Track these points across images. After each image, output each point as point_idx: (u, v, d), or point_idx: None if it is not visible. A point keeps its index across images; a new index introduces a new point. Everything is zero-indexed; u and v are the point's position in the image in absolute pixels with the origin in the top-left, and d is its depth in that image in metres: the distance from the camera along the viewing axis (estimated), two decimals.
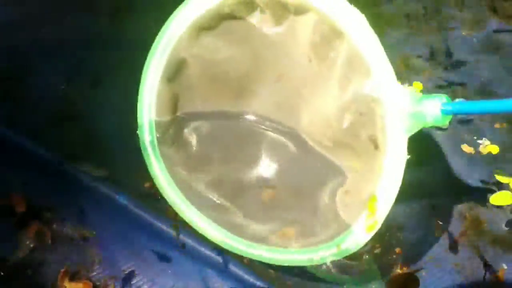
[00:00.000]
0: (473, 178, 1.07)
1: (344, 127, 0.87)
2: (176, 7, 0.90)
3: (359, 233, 0.82)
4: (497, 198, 0.98)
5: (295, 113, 0.97)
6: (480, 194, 1.02)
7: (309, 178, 0.96)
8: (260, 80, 0.97)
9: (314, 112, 0.94)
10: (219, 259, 0.95)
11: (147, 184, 1.05)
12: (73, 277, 0.94)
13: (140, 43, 0.93)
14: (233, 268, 0.94)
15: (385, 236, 0.98)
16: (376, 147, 0.81)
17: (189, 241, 0.97)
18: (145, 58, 0.93)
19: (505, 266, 0.91)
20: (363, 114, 0.82)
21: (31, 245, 0.99)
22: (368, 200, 0.80)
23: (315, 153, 0.97)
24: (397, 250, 0.96)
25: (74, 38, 1.37)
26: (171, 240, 0.98)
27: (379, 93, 0.77)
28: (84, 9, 1.44)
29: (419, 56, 1.35)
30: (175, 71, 0.94)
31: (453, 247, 0.95)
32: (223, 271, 0.95)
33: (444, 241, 0.98)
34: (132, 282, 0.95)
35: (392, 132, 0.77)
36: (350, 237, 0.83)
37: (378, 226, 0.81)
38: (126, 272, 0.96)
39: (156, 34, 0.92)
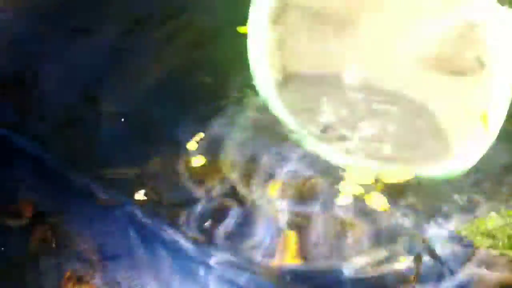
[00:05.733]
0: None
1: (449, 51, 0.94)
2: None
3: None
4: None
5: (398, 40, 1.00)
6: None
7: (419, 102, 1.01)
8: (361, 10, 1.01)
9: (418, 37, 0.98)
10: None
11: (146, 190, 1.08)
12: (78, 282, 0.97)
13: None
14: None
15: None
16: (483, 67, 0.90)
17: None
18: None
19: None
20: (468, 37, 0.90)
21: (37, 249, 1.01)
22: (480, 117, 0.89)
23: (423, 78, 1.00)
24: None
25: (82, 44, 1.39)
26: (174, 245, 1.01)
27: (483, 16, 0.86)
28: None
29: None
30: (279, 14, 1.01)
31: None
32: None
33: None
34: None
35: (499, 51, 0.87)
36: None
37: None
38: (128, 278, 0.98)
39: None
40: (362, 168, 1.05)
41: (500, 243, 0.80)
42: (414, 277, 0.91)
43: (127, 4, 1.41)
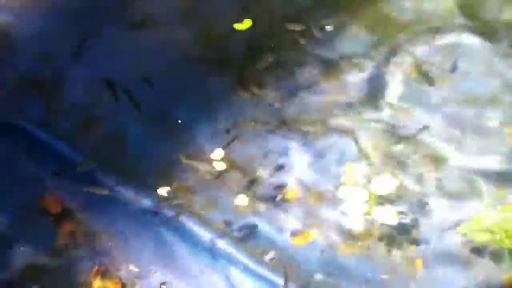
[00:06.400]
0: None
1: None
2: None
3: None
4: None
5: None
6: None
7: None
8: None
9: None
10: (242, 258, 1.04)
11: (171, 186, 1.14)
12: (104, 275, 1.03)
13: None
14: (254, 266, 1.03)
15: None
16: None
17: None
18: None
19: None
20: None
21: (65, 243, 1.08)
22: None
23: None
24: None
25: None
26: (197, 238, 1.07)
27: None
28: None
29: None
30: None
31: None
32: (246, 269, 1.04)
33: None
34: (157, 282, 1.04)
35: None
36: None
37: None
38: (153, 273, 1.04)
39: None
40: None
41: (498, 237, 0.83)
42: None
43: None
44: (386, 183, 1.07)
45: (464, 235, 0.91)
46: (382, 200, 1.07)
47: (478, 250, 0.99)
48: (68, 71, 1.35)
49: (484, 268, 0.99)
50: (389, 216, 1.04)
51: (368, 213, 1.06)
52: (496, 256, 0.98)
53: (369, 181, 1.10)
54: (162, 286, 1.03)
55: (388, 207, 1.05)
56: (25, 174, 1.18)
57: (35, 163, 1.19)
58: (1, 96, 1.31)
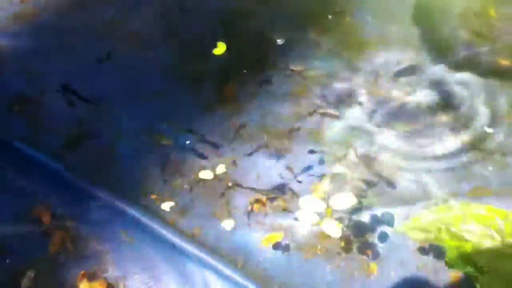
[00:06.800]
0: None
1: None
2: None
3: None
4: None
5: None
6: None
7: None
8: None
9: None
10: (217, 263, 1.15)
11: (153, 196, 1.25)
12: (91, 278, 1.14)
13: None
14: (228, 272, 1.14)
15: None
16: None
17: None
18: None
19: None
20: None
21: (56, 250, 1.19)
22: None
23: None
24: None
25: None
26: (173, 245, 1.19)
27: None
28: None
29: None
30: None
31: None
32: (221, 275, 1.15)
33: None
34: (139, 281, 1.15)
35: None
36: None
37: None
38: (134, 273, 1.16)
39: None
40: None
41: (433, 236, 0.94)
42: None
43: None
44: (346, 200, 1.20)
45: (403, 234, 1.02)
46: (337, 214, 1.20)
47: (423, 250, 1.13)
48: (52, 89, 1.47)
49: (432, 267, 1.11)
50: (335, 229, 1.16)
51: (318, 224, 1.18)
52: (439, 254, 1.11)
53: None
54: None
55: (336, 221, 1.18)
56: (14, 187, 1.29)
57: (23, 176, 1.30)
58: None
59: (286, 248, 1.16)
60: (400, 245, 1.14)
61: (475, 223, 0.92)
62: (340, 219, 1.18)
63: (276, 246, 1.16)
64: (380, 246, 1.15)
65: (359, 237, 1.15)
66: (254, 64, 1.49)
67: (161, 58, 1.52)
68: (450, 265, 0.90)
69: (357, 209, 1.19)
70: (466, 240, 0.91)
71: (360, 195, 1.21)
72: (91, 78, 1.49)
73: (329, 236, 1.16)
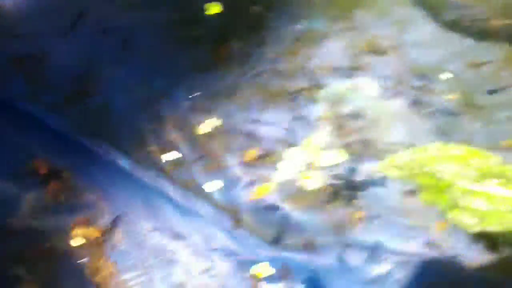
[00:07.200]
0: None
1: None
2: None
3: None
4: None
5: None
6: None
7: None
8: None
9: None
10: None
11: (150, 148, 1.30)
12: (86, 224, 1.19)
13: None
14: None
15: None
16: None
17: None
18: None
19: None
20: None
21: (52, 199, 1.24)
22: None
23: None
24: None
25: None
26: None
27: None
28: None
29: None
30: None
31: None
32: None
33: None
34: (129, 224, 1.21)
35: None
36: None
37: None
38: (125, 218, 1.21)
39: None
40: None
41: (407, 173, 0.97)
42: None
43: None
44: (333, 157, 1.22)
45: (380, 172, 1.05)
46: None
47: (411, 192, 1.14)
48: (55, 48, 1.51)
49: (419, 213, 1.14)
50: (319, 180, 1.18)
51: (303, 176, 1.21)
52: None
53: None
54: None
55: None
56: (13, 143, 1.34)
57: (22, 133, 1.35)
58: None
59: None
60: (387, 191, 1.17)
61: (449, 163, 0.95)
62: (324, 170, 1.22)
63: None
64: (366, 194, 1.18)
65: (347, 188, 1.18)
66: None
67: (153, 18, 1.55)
68: (424, 201, 0.94)
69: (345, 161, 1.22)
70: (438, 179, 0.94)
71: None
72: (75, 40, 1.53)
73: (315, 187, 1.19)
